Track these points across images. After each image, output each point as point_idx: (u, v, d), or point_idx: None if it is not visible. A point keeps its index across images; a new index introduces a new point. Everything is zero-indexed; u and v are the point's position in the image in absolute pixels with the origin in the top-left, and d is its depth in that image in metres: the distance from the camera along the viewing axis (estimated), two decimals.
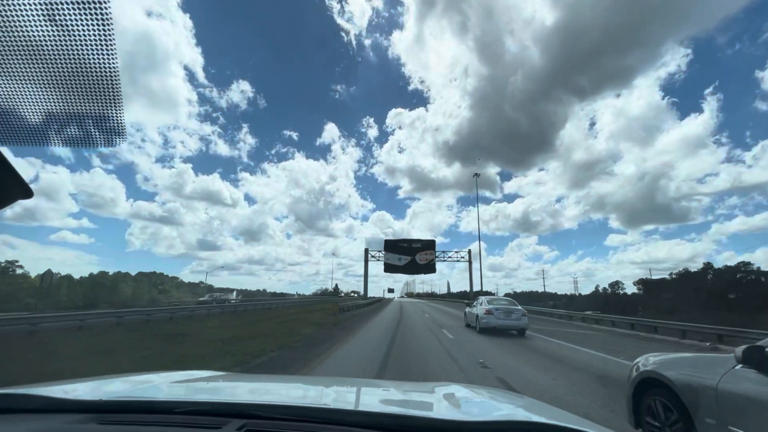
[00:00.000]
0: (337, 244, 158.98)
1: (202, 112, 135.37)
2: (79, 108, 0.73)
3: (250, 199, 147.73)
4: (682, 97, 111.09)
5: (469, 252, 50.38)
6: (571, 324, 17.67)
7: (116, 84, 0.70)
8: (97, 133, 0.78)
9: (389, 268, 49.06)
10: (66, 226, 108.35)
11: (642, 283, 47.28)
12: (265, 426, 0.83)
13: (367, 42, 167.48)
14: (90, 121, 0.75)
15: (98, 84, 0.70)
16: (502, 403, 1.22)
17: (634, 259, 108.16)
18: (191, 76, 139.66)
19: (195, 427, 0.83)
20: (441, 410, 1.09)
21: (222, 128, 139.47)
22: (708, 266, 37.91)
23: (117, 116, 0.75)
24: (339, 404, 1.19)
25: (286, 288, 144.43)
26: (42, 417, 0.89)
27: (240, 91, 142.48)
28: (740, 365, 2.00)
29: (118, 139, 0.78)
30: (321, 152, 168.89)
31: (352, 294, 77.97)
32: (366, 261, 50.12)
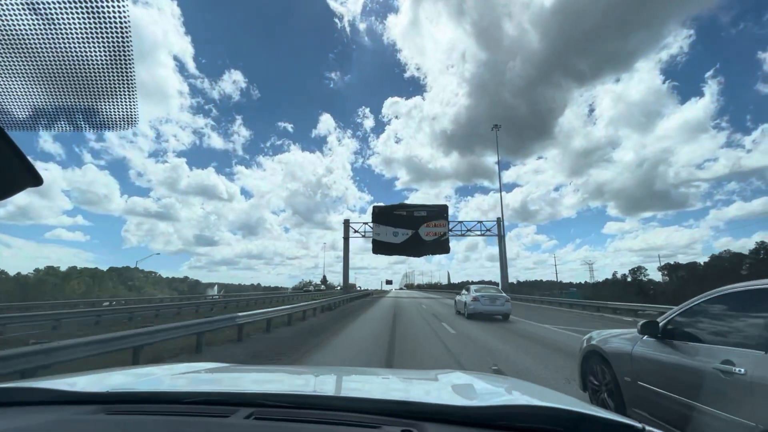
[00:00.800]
0: (336, 237, 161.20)
1: (194, 104, 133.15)
2: (92, 91, 0.74)
3: (246, 193, 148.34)
4: (683, 80, 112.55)
5: (498, 222, 36.37)
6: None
7: (130, 65, 0.71)
8: (110, 116, 0.79)
9: (380, 248, 36.42)
10: (61, 224, 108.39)
11: (668, 268, 43.57)
12: (273, 414, 0.89)
13: (362, 27, 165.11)
14: (104, 104, 0.77)
15: (112, 65, 0.71)
16: (506, 388, 1.31)
17: (631, 246, 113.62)
18: (181, 67, 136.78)
19: (203, 416, 0.89)
20: (445, 396, 1.17)
21: (215, 120, 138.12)
22: (761, 245, 33.10)
23: (130, 98, 0.76)
24: (345, 392, 1.28)
25: (286, 282, 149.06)
26: (50, 409, 0.95)
27: (232, 82, 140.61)
28: (645, 336, 2.84)
29: (132, 122, 0.80)
30: (317, 144, 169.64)
31: (337, 289, 74.81)
32: (346, 238, 38.05)
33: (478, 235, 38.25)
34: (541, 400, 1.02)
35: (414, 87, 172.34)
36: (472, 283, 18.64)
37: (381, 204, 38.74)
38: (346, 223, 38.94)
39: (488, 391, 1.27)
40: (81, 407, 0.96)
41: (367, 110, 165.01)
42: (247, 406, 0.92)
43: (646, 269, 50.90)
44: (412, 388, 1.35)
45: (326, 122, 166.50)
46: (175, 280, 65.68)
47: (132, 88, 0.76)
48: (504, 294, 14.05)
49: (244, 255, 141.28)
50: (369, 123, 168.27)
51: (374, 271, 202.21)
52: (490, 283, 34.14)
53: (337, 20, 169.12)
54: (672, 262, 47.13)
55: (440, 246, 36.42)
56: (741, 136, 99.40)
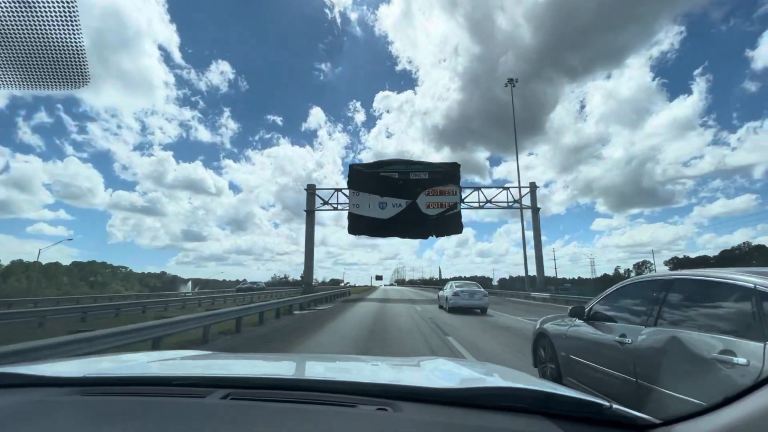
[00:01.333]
0: (326, 232, 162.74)
1: (181, 96, 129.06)
2: (36, 46, 0.74)
3: (234, 188, 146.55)
4: (673, 77, 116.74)
5: (531, 188, 27.96)
6: None
7: (75, 21, 0.72)
8: (58, 74, 0.79)
9: (359, 225, 26.23)
10: (42, 218, 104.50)
11: (675, 262, 43.52)
12: (250, 395, 0.92)
13: (353, 16, 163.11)
14: (49, 61, 0.77)
15: (56, 20, 0.72)
16: (485, 373, 1.39)
17: (618, 242, 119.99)
18: (167, 57, 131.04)
19: (179, 397, 0.93)
20: (423, 379, 1.23)
21: (202, 113, 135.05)
22: None
23: (78, 54, 0.76)
24: (323, 375, 1.33)
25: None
26: (22, 391, 1.00)
27: (220, 73, 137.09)
28: (576, 319, 3.68)
29: (81, 81, 0.81)
30: (307, 138, 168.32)
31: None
32: (310, 210, 28.40)
33: (504, 208, 29.22)
34: (519, 383, 1.09)
35: (406, 81, 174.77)
36: (454, 279, 19.79)
37: (362, 162, 27.79)
38: (311, 191, 27.74)
39: (467, 376, 1.37)
40: (55, 389, 1.00)
41: (358, 104, 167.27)
42: (224, 388, 0.96)
43: (652, 263, 51.91)
44: (392, 372, 1.43)
45: (316, 116, 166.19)
46: (149, 276, 61.99)
47: (79, 44, 0.76)
48: (482, 289, 15.47)
49: (233, 251, 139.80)
50: (360, 117, 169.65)
51: (365, 267, 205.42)
52: (473, 278, 33.73)
53: (327, 10, 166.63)
54: (681, 256, 48.26)
55: (448, 223, 25.69)
56: (727, 134, 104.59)
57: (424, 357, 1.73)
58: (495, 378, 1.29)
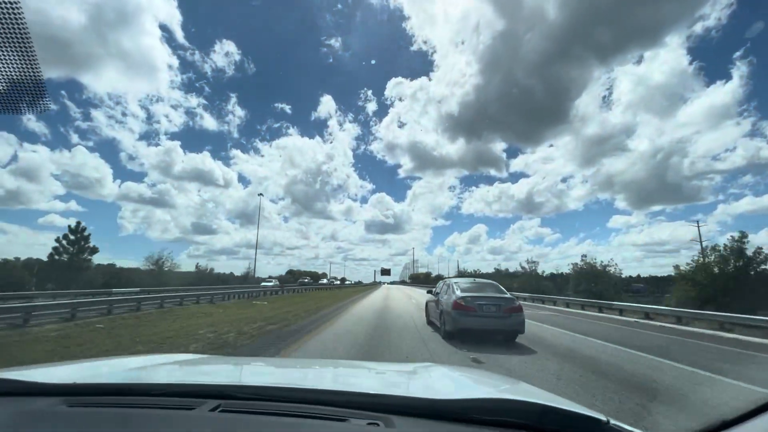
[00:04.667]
0: (336, 227, 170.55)
1: (185, 80, 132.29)
2: None
3: (243, 180, 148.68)
4: (712, 59, 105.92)
5: None
6: None
7: (26, 37, 0.70)
8: (14, 97, 0.82)
9: None
10: (53, 209, 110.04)
11: None
12: (241, 406, 0.96)
13: None
14: (4, 84, 0.79)
15: (5, 39, 0.70)
16: (481, 382, 1.45)
17: (635, 241, 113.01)
18: (169, 37, 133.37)
19: (167, 408, 0.97)
20: (417, 389, 1.30)
21: (208, 99, 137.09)
22: None
23: (33, 76, 0.76)
24: (315, 384, 1.40)
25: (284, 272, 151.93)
26: (6, 401, 1.01)
27: (225, 54, 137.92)
28: (431, 296, 10.00)
29: (41, 104, 0.82)
30: (317, 128, 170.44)
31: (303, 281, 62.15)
32: None
33: None
34: (513, 394, 1.11)
35: (420, 65, 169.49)
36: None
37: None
38: None
39: (462, 385, 1.41)
40: (41, 399, 1.03)
41: (370, 92, 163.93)
42: (215, 398, 1.00)
43: None
44: (385, 382, 1.47)
45: (327, 104, 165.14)
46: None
47: (33, 61, 0.74)
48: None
49: (243, 244, 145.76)
50: (371, 106, 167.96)
51: (375, 262, 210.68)
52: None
53: None
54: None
55: None
56: (766, 124, 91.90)
57: (422, 363, 1.84)
58: (490, 388, 1.33)
